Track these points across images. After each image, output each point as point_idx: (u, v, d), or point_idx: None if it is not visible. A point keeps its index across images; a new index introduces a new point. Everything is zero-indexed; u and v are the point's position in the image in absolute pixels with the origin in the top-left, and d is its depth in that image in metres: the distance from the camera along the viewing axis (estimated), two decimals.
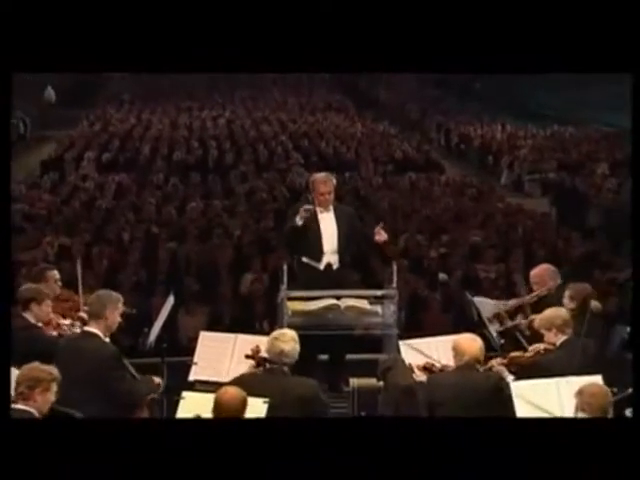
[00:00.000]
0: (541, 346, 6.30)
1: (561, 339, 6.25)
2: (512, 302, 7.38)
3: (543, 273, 7.28)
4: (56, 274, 7.25)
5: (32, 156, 24.66)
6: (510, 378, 6.07)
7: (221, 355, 6.40)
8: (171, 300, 7.27)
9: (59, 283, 7.20)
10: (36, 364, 5.12)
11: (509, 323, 7.15)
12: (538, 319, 6.52)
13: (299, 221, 7.45)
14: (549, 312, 6.47)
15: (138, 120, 29.60)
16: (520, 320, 7.09)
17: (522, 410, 5.45)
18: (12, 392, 5.10)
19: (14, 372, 5.32)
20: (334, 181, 7.74)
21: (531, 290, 7.38)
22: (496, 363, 6.25)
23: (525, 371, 6.10)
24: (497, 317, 7.30)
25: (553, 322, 6.31)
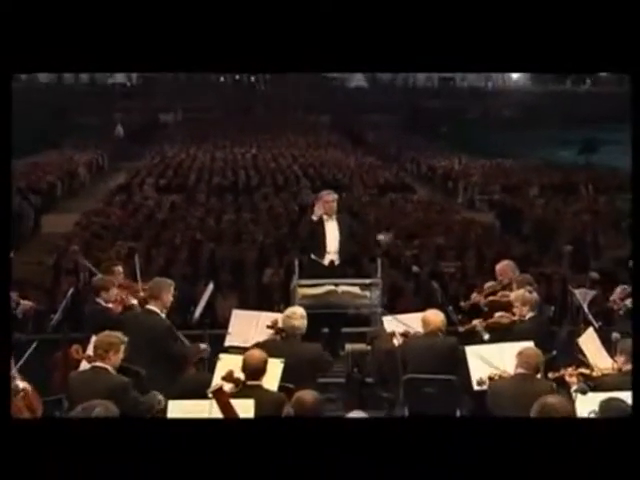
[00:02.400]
0: (513, 316, 6.25)
1: (530, 314, 6.19)
2: (488, 285, 7.20)
3: (506, 267, 7.13)
4: (120, 269, 7.23)
5: (108, 181, 24.71)
6: (487, 337, 6.08)
7: (248, 327, 6.31)
8: (211, 287, 7.25)
9: (122, 275, 7.13)
10: (108, 332, 5.13)
11: (473, 301, 7.05)
12: (514, 295, 6.41)
13: (315, 217, 7.45)
14: (529, 294, 6.36)
15: (187, 155, 29.66)
16: (480, 300, 6.99)
17: (474, 365, 5.45)
18: (91, 353, 5.11)
19: (93, 339, 5.33)
20: (336, 195, 7.76)
21: (496, 280, 7.18)
22: (478, 323, 6.26)
23: (500, 333, 6.06)
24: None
25: (529, 301, 6.25)
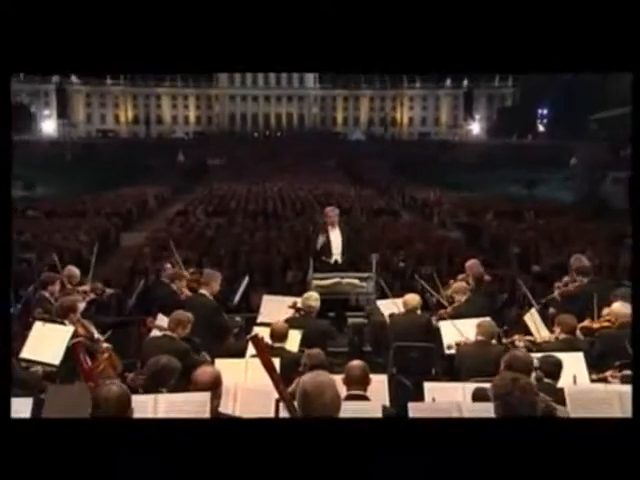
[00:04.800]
0: (455, 304, 6.27)
1: (463, 298, 6.21)
2: (459, 278, 7.05)
3: (473, 265, 7.01)
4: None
5: (170, 208, 24.83)
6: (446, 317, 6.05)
7: (275, 308, 6.29)
8: (246, 279, 7.28)
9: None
10: (181, 311, 5.06)
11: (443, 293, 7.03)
12: (451, 289, 6.47)
13: (320, 240, 7.56)
14: (458, 284, 6.44)
15: (228, 189, 29.85)
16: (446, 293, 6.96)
17: (447, 333, 5.45)
18: (159, 323, 5.09)
19: (162, 318, 5.31)
20: (337, 210, 7.82)
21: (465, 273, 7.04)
22: (437, 313, 6.24)
23: (450, 315, 6.05)
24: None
25: (460, 290, 6.28)
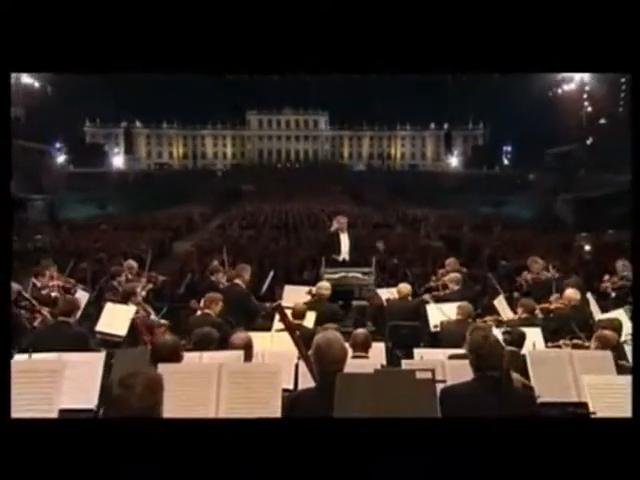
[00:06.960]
0: (447, 291, 6.22)
1: (456, 288, 6.17)
2: (441, 272, 7.06)
3: (452, 262, 7.05)
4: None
5: (211, 223, 25.00)
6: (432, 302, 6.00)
7: (294, 295, 6.28)
8: (272, 273, 7.30)
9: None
10: (212, 293, 5.17)
11: (431, 284, 6.99)
12: (447, 278, 6.41)
13: (332, 229, 7.58)
14: (453, 275, 6.39)
15: (257, 208, 29.97)
16: (435, 283, 6.91)
17: (433, 314, 5.38)
18: (202, 304, 5.12)
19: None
20: (346, 219, 7.84)
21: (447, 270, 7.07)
22: (428, 297, 6.21)
23: (441, 299, 6.01)
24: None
25: (454, 279, 6.24)
